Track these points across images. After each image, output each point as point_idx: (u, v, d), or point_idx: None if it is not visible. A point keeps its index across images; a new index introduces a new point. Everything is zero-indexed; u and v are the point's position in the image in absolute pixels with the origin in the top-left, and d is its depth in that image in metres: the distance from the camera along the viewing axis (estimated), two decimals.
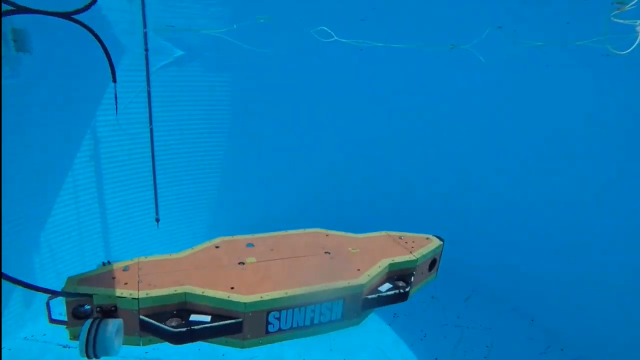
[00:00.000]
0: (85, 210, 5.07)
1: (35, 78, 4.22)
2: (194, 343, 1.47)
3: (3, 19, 3.69)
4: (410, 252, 1.89)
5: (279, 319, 1.40)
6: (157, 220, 4.49)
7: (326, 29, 3.58)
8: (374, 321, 4.99)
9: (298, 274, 1.58)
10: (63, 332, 4.84)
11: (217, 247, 1.89)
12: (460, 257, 6.00)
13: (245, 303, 1.35)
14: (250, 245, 1.87)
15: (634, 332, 4.09)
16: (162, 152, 5.35)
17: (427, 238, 2.10)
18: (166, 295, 1.46)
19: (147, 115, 4.05)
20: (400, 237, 2.09)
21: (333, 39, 3.42)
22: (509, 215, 5.40)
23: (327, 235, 2.06)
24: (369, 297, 1.61)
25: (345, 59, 5.56)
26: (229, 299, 1.38)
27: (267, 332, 1.42)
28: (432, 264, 2.04)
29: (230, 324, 1.39)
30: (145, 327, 1.50)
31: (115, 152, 5.17)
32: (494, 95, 5.26)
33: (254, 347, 1.43)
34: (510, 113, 5.21)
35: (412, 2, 4.31)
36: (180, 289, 1.47)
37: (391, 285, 1.73)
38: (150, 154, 4.21)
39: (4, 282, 1.51)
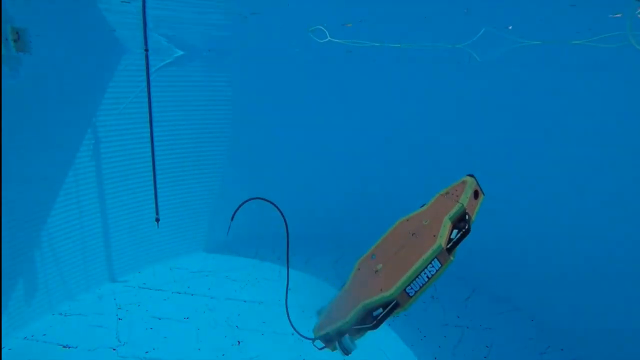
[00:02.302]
0: (87, 210, 5.08)
1: (35, 78, 4.23)
2: None
3: (3, 19, 3.70)
4: (457, 201, 2.44)
5: (410, 288, 2.33)
6: (157, 220, 4.50)
7: (322, 28, 3.58)
8: None
9: (407, 259, 2.41)
10: (63, 332, 4.81)
11: (358, 269, 2.80)
12: (460, 257, 6.01)
13: (391, 293, 2.35)
14: (373, 257, 2.76)
15: (634, 332, 4.09)
16: (163, 151, 5.36)
17: (463, 181, 2.64)
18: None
19: (147, 115, 4.07)
20: (447, 193, 2.66)
21: (327, 39, 3.42)
22: (509, 215, 5.40)
23: (407, 220, 2.78)
24: (448, 246, 2.36)
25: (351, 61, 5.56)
26: (383, 294, 2.38)
27: (409, 296, 2.34)
28: (475, 194, 2.58)
29: (392, 306, 2.38)
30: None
31: (116, 151, 5.18)
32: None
33: (409, 307, 2.43)
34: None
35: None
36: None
37: (456, 230, 2.43)
38: (150, 153, 4.23)
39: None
